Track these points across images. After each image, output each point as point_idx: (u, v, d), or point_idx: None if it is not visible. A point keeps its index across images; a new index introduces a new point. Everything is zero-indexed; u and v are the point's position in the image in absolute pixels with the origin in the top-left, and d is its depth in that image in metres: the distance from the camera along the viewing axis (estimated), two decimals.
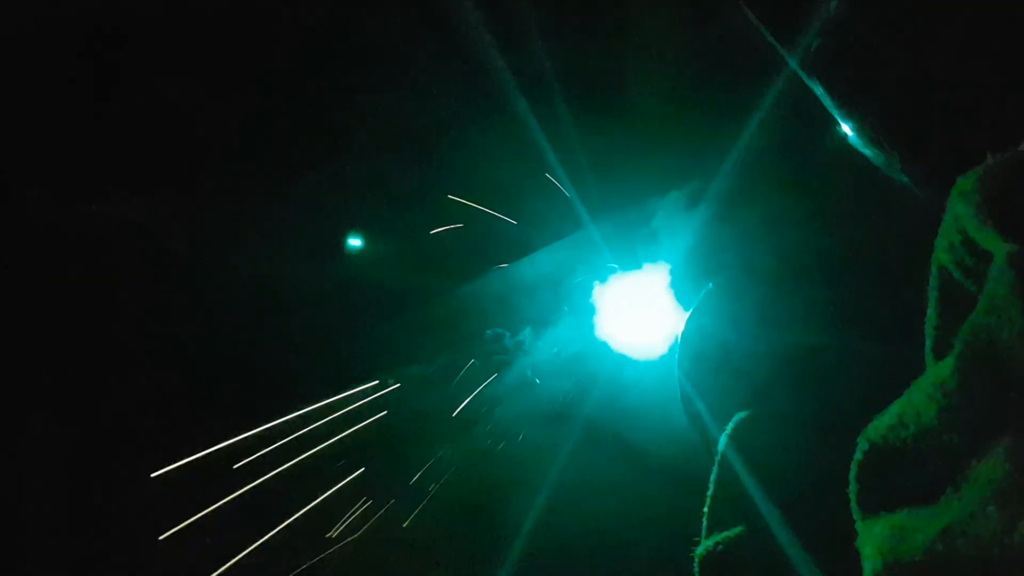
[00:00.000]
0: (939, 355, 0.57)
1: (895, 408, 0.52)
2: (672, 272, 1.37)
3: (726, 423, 0.95)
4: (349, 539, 1.41)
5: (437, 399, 1.43)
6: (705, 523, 0.81)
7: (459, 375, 1.44)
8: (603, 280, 1.43)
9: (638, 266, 1.41)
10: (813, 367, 0.93)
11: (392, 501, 1.43)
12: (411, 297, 1.45)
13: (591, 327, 1.45)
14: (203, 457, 1.33)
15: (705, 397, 1.08)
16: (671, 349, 1.36)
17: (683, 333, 1.20)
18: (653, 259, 1.39)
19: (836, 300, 1.00)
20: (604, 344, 1.45)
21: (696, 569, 0.76)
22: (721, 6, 0.96)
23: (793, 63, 0.88)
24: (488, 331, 1.44)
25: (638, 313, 1.41)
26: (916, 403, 0.49)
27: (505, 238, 1.42)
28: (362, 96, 1.42)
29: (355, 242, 1.49)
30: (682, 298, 1.35)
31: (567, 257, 1.42)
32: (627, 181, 1.35)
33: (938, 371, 0.45)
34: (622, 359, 1.44)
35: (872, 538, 0.49)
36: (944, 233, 0.52)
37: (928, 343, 0.59)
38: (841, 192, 0.98)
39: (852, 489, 0.54)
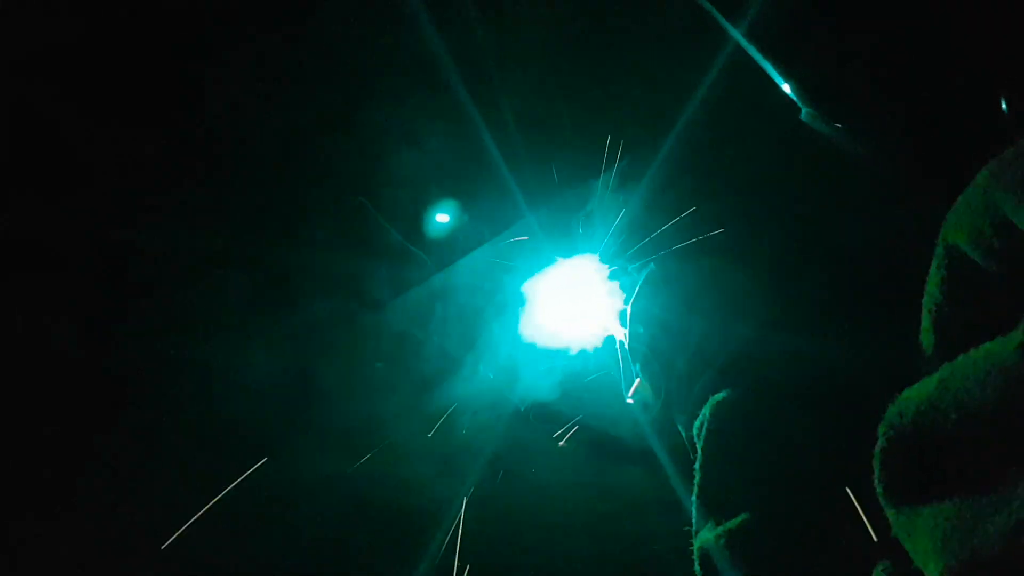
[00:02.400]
0: (944, 333, 0.57)
1: (921, 393, 0.51)
2: (602, 258, 1.37)
3: (694, 407, 0.95)
4: None
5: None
6: (695, 514, 0.80)
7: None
8: (538, 270, 1.40)
9: (572, 253, 1.39)
10: (767, 346, 0.94)
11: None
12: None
13: (527, 319, 1.43)
14: None
15: (664, 382, 1.07)
16: (610, 334, 1.36)
17: (631, 319, 1.20)
18: (587, 244, 1.37)
19: (776, 279, 1.01)
20: (540, 333, 1.43)
21: (697, 565, 0.75)
22: None
23: (741, 39, 0.87)
24: None
25: (573, 301, 1.40)
26: (957, 388, 0.48)
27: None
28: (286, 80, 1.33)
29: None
30: (615, 282, 1.35)
31: (506, 248, 1.39)
32: (564, 164, 1.33)
33: (989, 358, 0.45)
34: (557, 348, 1.42)
35: (921, 531, 0.48)
36: (965, 215, 0.52)
37: (927, 319, 0.59)
38: (786, 170, 0.99)
39: (877, 477, 0.53)
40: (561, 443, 1.37)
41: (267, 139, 1.38)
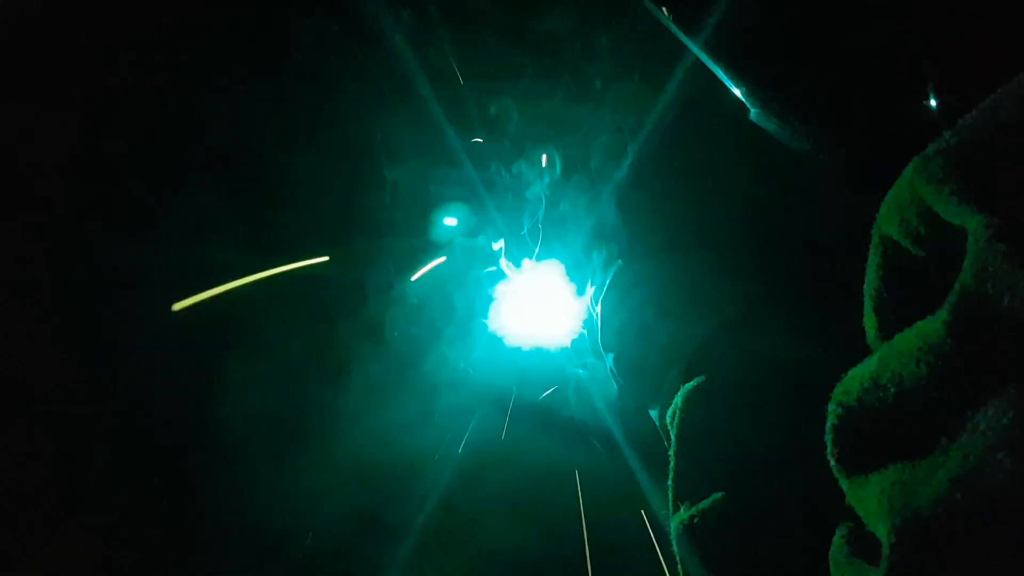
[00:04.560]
0: (885, 317, 0.62)
1: (864, 371, 0.56)
2: (569, 259, 1.41)
3: (666, 398, 0.99)
4: None
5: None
6: (671, 497, 0.84)
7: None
8: (510, 271, 1.44)
9: (543, 254, 1.43)
10: (732, 341, 0.98)
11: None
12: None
13: (501, 318, 1.47)
14: None
15: (637, 376, 1.12)
16: (582, 331, 1.40)
17: (602, 317, 1.24)
18: (558, 245, 1.42)
19: (741, 269, 1.05)
20: (514, 331, 1.47)
21: (675, 546, 0.79)
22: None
23: (697, 51, 0.92)
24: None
25: (545, 300, 1.44)
26: (894, 365, 0.52)
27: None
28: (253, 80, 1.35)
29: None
30: (581, 283, 1.39)
31: (479, 250, 1.43)
32: (533, 170, 1.37)
33: (920, 336, 0.49)
34: (531, 344, 1.46)
35: (870, 497, 0.53)
36: (894, 207, 0.56)
37: (868, 304, 0.63)
38: (741, 168, 1.04)
39: (830, 451, 0.58)
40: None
41: (241, 152, 1.40)
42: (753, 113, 0.94)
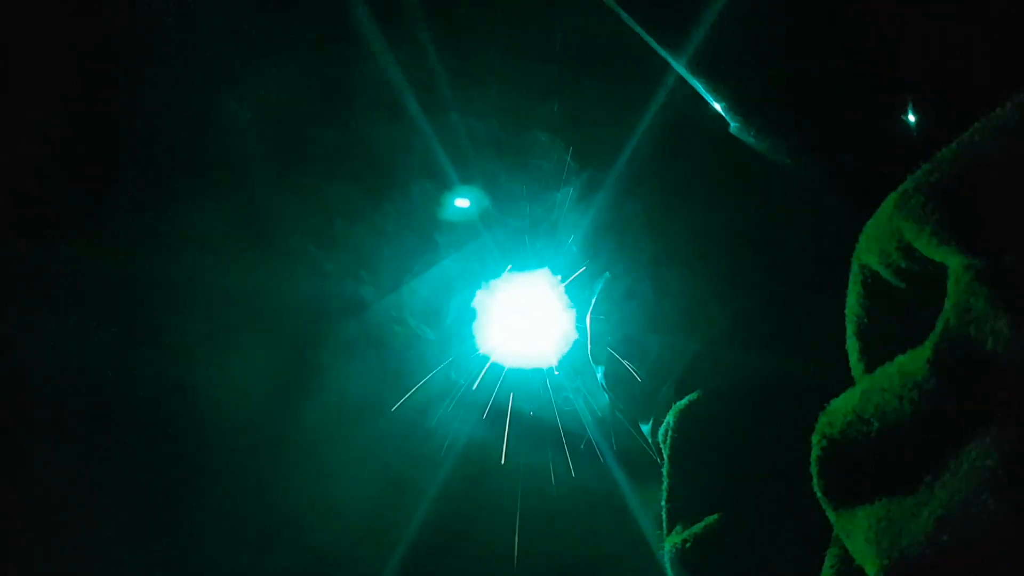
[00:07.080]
0: (867, 342, 0.61)
1: (847, 404, 0.56)
2: (559, 272, 1.41)
3: (658, 415, 0.98)
4: None
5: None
6: (665, 518, 0.83)
7: None
8: (500, 284, 1.44)
9: (533, 266, 1.42)
10: (721, 357, 0.98)
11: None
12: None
13: (491, 330, 1.46)
14: None
15: (626, 390, 1.11)
16: (573, 344, 1.40)
17: (592, 330, 1.23)
18: (548, 257, 1.41)
19: (731, 283, 1.05)
20: (505, 343, 1.47)
21: (668, 569, 0.79)
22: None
23: (676, 63, 0.91)
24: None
25: (535, 313, 1.44)
26: (878, 400, 0.52)
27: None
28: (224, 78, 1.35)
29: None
30: (572, 296, 1.39)
31: (468, 263, 1.43)
32: (522, 179, 1.37)
33: (902, 372, 0.49)
34: (520, 356, 1.46)
35: (857, 531, 0.52)
36: (874, 239, 0.55)
37: (850, 329, 0.63)
38: (730, 181, 1.03)
39: (816, 483, 0.57)
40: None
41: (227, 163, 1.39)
42: (733, 127, 0.94)
